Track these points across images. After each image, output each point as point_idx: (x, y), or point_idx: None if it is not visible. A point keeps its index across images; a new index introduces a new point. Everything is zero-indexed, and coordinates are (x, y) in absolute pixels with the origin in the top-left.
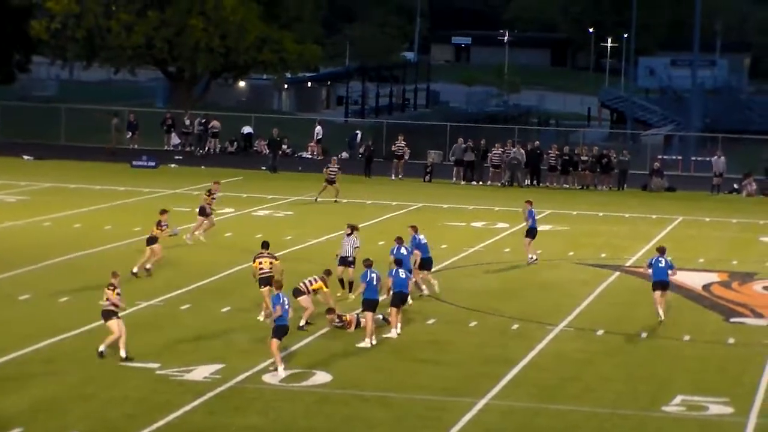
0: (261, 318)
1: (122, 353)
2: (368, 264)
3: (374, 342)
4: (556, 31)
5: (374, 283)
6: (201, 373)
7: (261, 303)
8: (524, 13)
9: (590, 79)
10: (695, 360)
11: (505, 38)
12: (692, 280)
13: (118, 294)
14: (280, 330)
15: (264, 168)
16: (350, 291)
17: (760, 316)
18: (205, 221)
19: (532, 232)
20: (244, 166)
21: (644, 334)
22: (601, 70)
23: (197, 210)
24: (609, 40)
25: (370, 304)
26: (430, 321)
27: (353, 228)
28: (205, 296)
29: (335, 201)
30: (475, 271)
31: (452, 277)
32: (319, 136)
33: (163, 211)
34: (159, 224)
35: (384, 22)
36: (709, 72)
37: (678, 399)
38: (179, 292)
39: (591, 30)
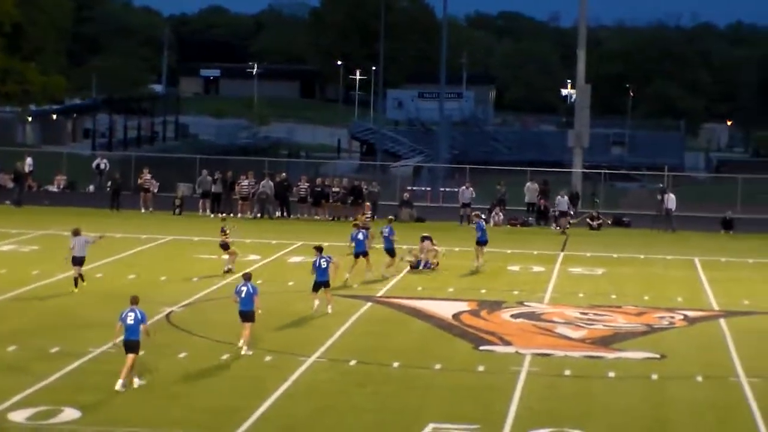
0: None
1: None
2: (247, 277)
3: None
4: (305, 64)
5: (242, 295)
6: None
7: None
8: (273, 45)
9: (340, 111)
10: (446, 389)
11: (254, 70)
12: (442, 309)
13: None
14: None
15: (8, 202)
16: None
17: (508, 343)
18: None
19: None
20: None
21: (396, 364)
22: (351, 102)
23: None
24: (358, 72)
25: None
26: (182, 354)
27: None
28: None
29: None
30: (226, 303)
31: (203, 309)
32: (31, 168)
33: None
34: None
35: (131, 53)
36: (456, 104)
37: (430, 427)
38: None
39: (340, 62)
